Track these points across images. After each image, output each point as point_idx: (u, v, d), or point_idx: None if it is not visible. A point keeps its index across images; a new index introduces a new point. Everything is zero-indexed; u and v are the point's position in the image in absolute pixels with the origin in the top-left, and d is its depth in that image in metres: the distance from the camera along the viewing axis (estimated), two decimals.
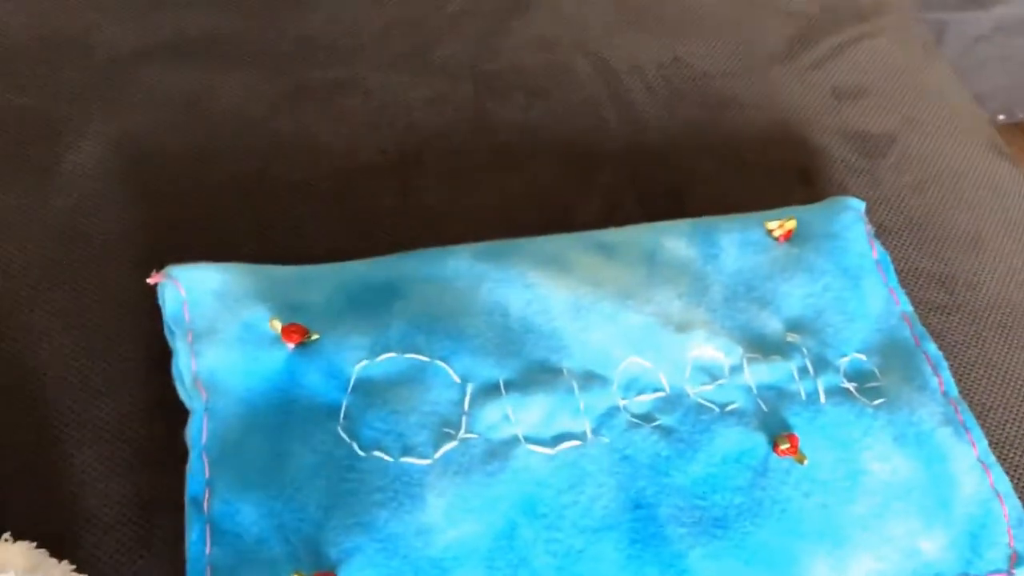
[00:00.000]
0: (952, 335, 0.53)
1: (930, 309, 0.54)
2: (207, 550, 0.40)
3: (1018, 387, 0.52)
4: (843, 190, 0.59)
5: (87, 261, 0.51)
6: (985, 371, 0.52)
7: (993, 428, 0.50)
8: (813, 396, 0.46)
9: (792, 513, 0.43)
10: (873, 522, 0.43)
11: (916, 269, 0.56)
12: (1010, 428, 0.50)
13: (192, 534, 0.40)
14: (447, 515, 0.41)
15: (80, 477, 0.44)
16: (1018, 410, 0.51)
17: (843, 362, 0.47)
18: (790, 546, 0.42)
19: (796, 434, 0.44)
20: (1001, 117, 1.29)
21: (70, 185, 0.53)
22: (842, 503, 0.43)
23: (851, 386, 0.46)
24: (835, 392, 0.46)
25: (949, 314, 0.54)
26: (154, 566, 0.42)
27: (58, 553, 0.39)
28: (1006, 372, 0.52)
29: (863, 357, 0.48)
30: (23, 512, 0.43)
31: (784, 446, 0.44)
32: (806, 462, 0.44)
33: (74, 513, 0.44)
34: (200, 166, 0.55)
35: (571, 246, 0.50)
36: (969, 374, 0.52)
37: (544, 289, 0.47)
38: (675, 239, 0.50)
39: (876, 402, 0.46)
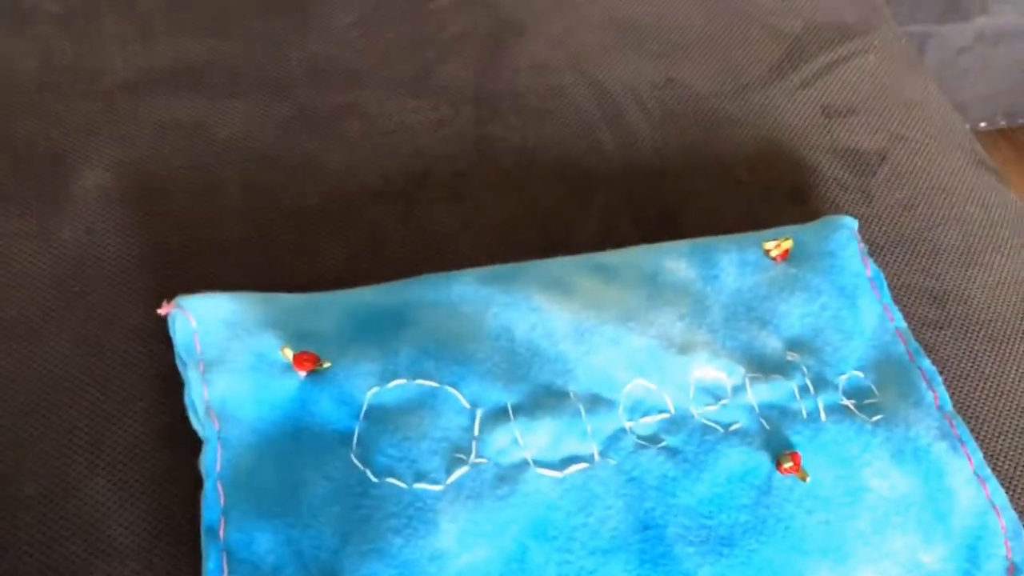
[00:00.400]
0: (945, 349, 0.55)
1: (923, 325, 0.55)
2: None
3: (1011, 399, 0.53)
4: (835, 208, 0.61)
5: (98, 288, 0.51)
6: (978, 384, 0.54)
7: (988, 440, 0.51)
8: (814, 414, 0.47)
9: (796, 530, 0.44)
10: (874, 537, 0.44)
11: (908, 285, 0.57)
12: (1004, 440, 0.51)
13: (209, 563, 0.41)
14: (460, 540, 0.41)
15: (94, 504, 0.45)
16: (1011, 422, 0.52)
17: (842, 380, 0.48)
18: (795, 562, 0.43)
19: (798, 452, 0.45)
20: (983, 124, 1.31)
21: (78, 213, 0.54)
22: (844, 519, 0.44)
23: (850, 403, 0.48)
24: (835, 410, 0.47)
25: (942, 329, 0.55)
26: None
27: None
28: (999, 385, 0.54)
29: (860, 374, 0.49)
30: (37, 538, 0.43)
31: (787, 464, 0.45)
32: (808, 479, 0.45)
33: (89, 541, 0.44)
34: (206, 193, 0.56)
35: (572, 269, 0.51)
36: (963, 388, 0.53)
37: (548, 313, 0.48)
38: (675, 261, 0.52)
39: (874, 419, 0.47)
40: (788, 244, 0.53)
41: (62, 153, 0.56)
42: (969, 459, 0.47)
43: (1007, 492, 0.48)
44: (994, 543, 0.45)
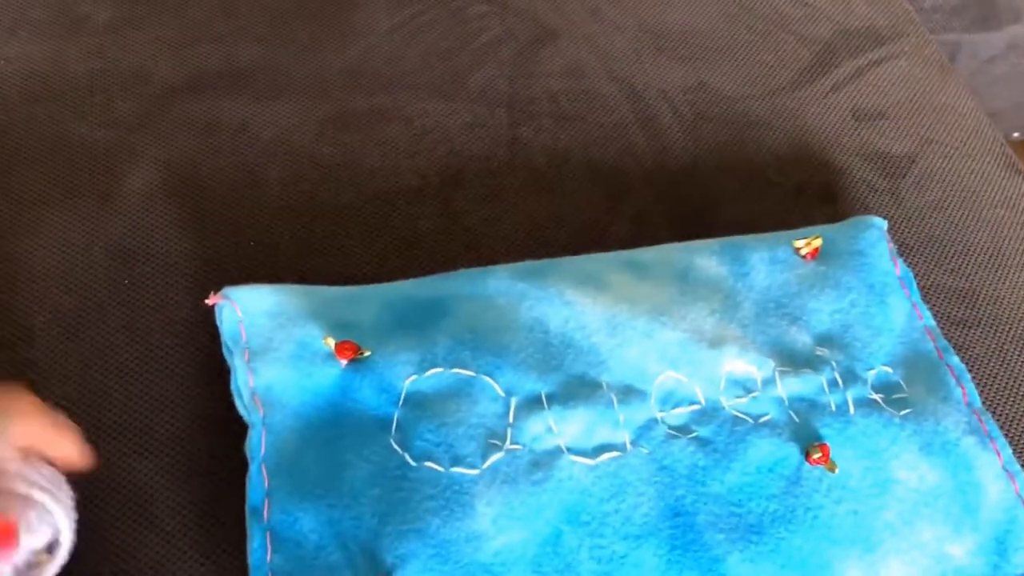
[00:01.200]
0: (974, 348, 0.55)
1: (953, 324, 0.56)
2: (268, 557, 0.42)
3: None
4: (865, 209, 0.61)
5: (146, 281, 0.53)
6: (1008, 383, 0.54)
7: (1017, 438, 0.52)
8: (843, 407, 0.48)
9: (824, 520, 0.45)
10: (902, 528, 0.45)
11: (938, 285, 0.58)
12: None
13: (254, 542, 0.43)
14: (495, 523, 0.43)
15: (143, 486, 0.47)
16: None
17: (871, 374, 0.49)
18: (823, 551, 0.44)
19: (827, 444, 0.46)
20: (1016, 135, 1.31)
21: (127, 209, 0.56)
22: (872, 509, 0.45)
23: (879, 397, 0.48)
24: (864, 403, 0.48)
25: (971, 328, 0.56)
26: (216, 573, 0.45)
27: (125, 559, 0.42)
28: None
29: (889, 370, 0.50)
30: (90, 518, 0.45)
31: (816, 455, 0.46)
32: (837, 471, 0.46)
33: (138, 521, 0.46)
34: (250, 191, 0.58)
35: (606, 265, 0.53)
36: (992, 386, 0.54)
37: (581, 306, 0.49)
38: (706, 258, 0.53)
39: (903, 412, 0.48)
40: (818, 242, 0.54)
41: (112, 152, 0.58)
42: (998, 454, 0.48)
43: None
44: (1023, 537, 0.46)
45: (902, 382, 0.49)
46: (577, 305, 0.49)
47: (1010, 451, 0.48)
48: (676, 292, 0.51)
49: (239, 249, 0.55)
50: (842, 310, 0.51)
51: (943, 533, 0.45)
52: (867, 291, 0.52)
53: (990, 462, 0.47)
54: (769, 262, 0.53)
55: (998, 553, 0.45)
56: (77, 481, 0.44)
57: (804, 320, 0.51)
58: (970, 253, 0.60)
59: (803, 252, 0.54)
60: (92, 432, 0.47)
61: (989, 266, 0.59)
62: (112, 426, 0.48)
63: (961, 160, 0.65)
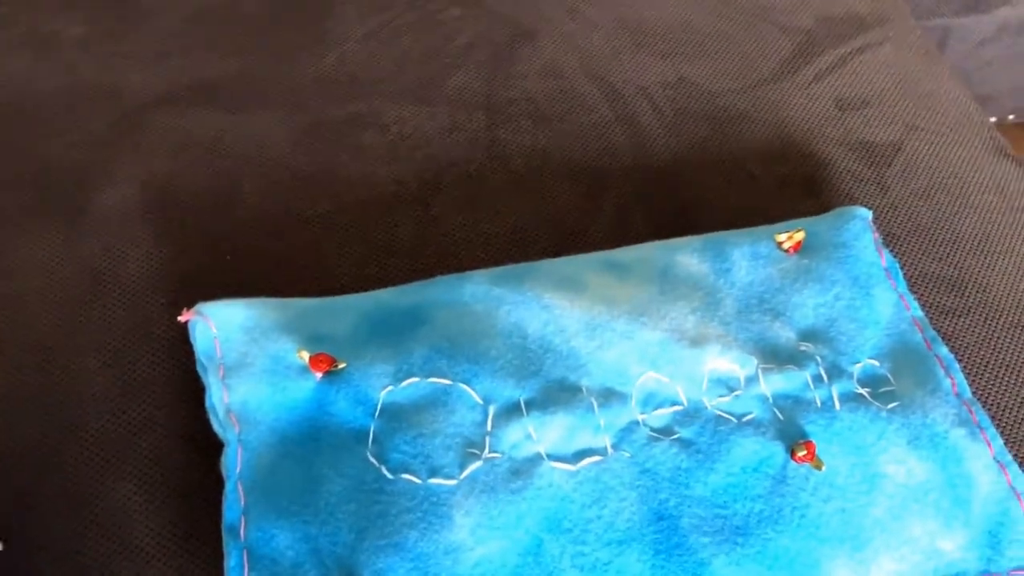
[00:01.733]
0: (964, 337, 0.54)
1: (941, 313, 0.55)
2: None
3: None
4: (850, 199, 0.60)
5: (120, 300, 0.53)
6: (998, 371, 0.53)
7: (1008, 427, 0.51)
8: (828, 403, 0.47)
9: (812, 518, 0.44)
10: (892, 524, 0.44)
11: (926, 274, 0.57)
12: None
13: (231, 561, 0.42)
14: (474, 533, 0.42)
15: (121, 508, 0.46)
16: None
17: (856, 368, 0.48)
18: (811, 550, 0.43)
19: (813, 441, 0.45)
20: (1011, 117, 1.29)
21: (99, 228, 0.56)
22: (861, 506, 0.44)
23: (865, 391, 0.48)
24: (850, 398, 0.47)
25: (960, 317, 0.55)
26: None
27: None
28: (1019, 372, 0.53)
29: (876, 363, 0.49)
30: (63, 539, 0.45)
31: (801, 453, 0.45)
32: (823, 468, 0.45)
33: (115, 543, 0.45)
34: (225, 204, 0.57)
35: (584, 267, 0.52)
36: (983, 375, 0.53)
37: (560, 310, 0.48)
38: (686, 255, 0.52)
39: (890, 406, 0.47)
40: (800, 236, 0.53)
41: (83, 171, 0.58)
42: (989, 445, 0.47)
43: None
44: (1016, 529, 0.45)
45: (889, 375, 0.49)
46: (555, 308, 0.49)
47: (1001, 441, 0.47)
48: (656, 292, 0.50)
49: (216, 264, 0.55)
50: (826, 304, 0.51)
51: (934, 528, 0.44)
52: (852, 284, 0.52)
53: (981, 453, 0.47)
54: (751, 257, 0.52)
55: (991, 546, 0.44)
56: (50, 505, 0.43)
57: (787, 316, 0.50)
58: (958, 241, 0.59)
59: (785, 246, 0.53)
60: (67, 458, 0.47)
61: (978, 253, 0.58)
62: (88, 451, 0.48)
63: (948, 147, 0.64)
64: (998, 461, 0.47)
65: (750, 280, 0.51)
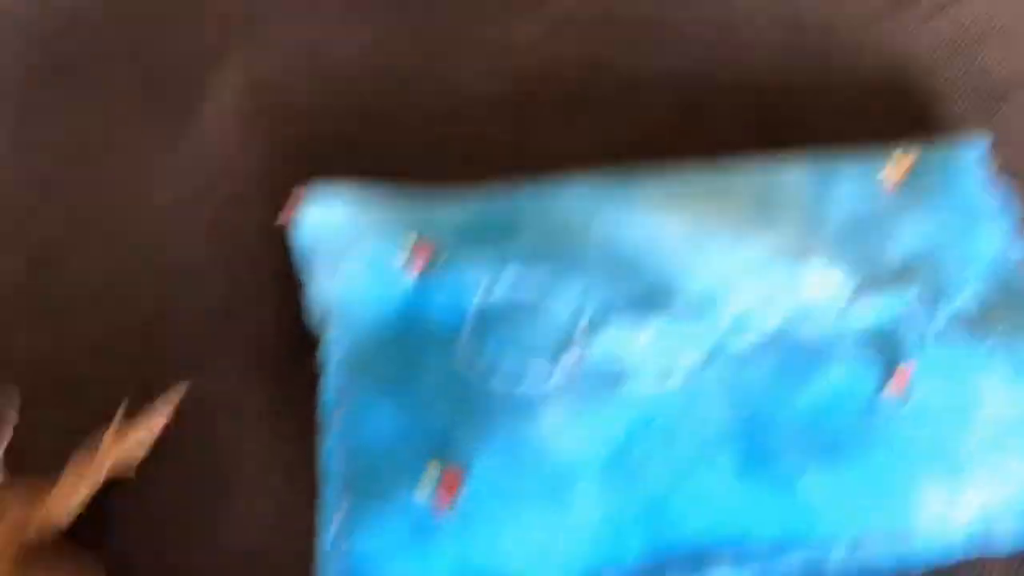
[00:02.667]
0: None
1: None
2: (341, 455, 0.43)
3: None
4: (965, 134, 0.58)
5: (228, 200, 0.54)
6: None
7: None
8: (927, 331, 0.46)
9: (902, 443, 0.43)
10: (988, 454, 0.43)
11: None
12: None
13: (328, 442, 0.43)
14: (565, 431, 0.43)
15: (220, 393, 0.48)
16: None
17: (958, 298, 0.47)
18: (901, 473, 0.43)
19: (908, 368, 0.44)
20: None
21: (210, 130, 0.57)
22: (953, 435, 0.43)
23: (966, 321, 0.46)
24: (950, 327, 0.46)
25: None
26: (285, 475, 0.46)
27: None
28: None
29: (978, 295, 0.48)
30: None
31: (895, 379, 0.44)
32: (917, 396, 0.44)
33: (207, 428, 0.47)
34: (329, 105, 0.58)
35: (686, 178, 0.51)
36: None
37: (658, 221, 0.48)
38: (790, 175, 0.51)
39: (992, 338, 0.46)
40: (908, 161, 0.52)
41: (195, 76, 0.59)
42: None
43: None
44: None
45: (991, 308, 0.47)
46: (654, 219, 0.48)
47: None
48: (757, 210, 0.49)
49: (317, 159, 0.55)
50: (930, 233, 0.49)
51: None
52: (958, 215, 0.50)
53: None
54: (856, 182, 0.51)
55: None
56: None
57: (889, 242, 0.49)
58: None
59: (892, 173, 0.52)
60: (167, 340, 0.49)
61: None
62: (188, 334, 0.49)
63: None
64: None
65: (853, 205, 0.50)
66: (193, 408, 0.47)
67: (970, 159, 0.52)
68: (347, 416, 0.44)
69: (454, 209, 0.50)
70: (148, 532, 0.45)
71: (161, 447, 0.45)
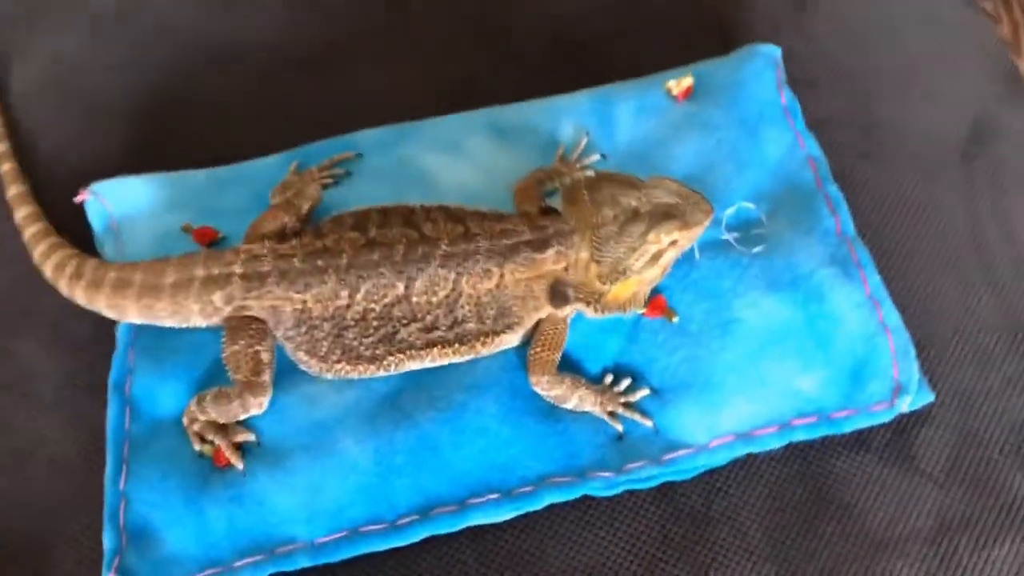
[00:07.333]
0: (870, 179, 0.52)
1: (850, 155, 0.53)
2: (126, 424, 0.45)
3: (933, 222, 0.51)
4: (765, 41, 0.58)
5: (31, 175, 0.54)
6: (899, 207, 0.52)
7: (900, 260, 0.50)
8: (689, 253, 0.46)
9: (658, 369, 0.45)
10: (746, 367, 0.44)
11: (839, 117, 0.55)
12: (917, 260, 0.50)
13: (112, 410, 0.45)
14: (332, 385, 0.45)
15: (23, 364, 0.49)
16: (929, 244, 0.50)
17: (727, 213, 0.48)
18: (658, 399, 0.44)
19: (662, 295, 0.46)
20: None
21: (15, 104, 0.58)
22: (711, 352, 0.45)
23: (731, 236, 0.47)
24: (712, 246, 0.47)
25: (869, 160, 0.53)
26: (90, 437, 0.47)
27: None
28: (923, 208, 0.52)
29: (751, 205, 0.49)
30: None
31: (650, 308, 0.46)
32: (676, 319, 0.45)
33: (16, 395, 0.48)
34: (132, 78, 0.58)
35: (469, 128, 0.52)
36: (881, 214, 0.51)
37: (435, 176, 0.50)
38: (571, 116, 0.52)
39: (755, 250, 0.47)
40: (688, 81, 0.52)
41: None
42: (865, 283, 0.46)
43: (916, 313, 0.47)
44: (880, 364, 0.45)
45: (763, 216, 0.48)
46: (431, 174, 0.50)
47: (879, 279, 0.47)
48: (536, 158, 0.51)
49: (119, 136, 0.56)
50: (705, 151, 0.50)
51: (791, 368, 0.44)
52: (737, 125, 0.51)
53: (852, 292, 0.46)
54: (636, 112, 0.52)
55: (852, 382, 0.44)
56: None
57: (665, 168, 0.49)
58: (879, 85, 0.56)
59: (674, 93, 0.52)
60: None
61: (897, 97, 0.56)
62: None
63: None
64: (872, 299, 0.46)
65: (633, 136, 0.51)
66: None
67: (757, 66, 0.53)
68: (134, 392, 0.46)
69: (241, 190, 0.51)
70: None
71: None
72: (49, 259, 0.48)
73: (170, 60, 0.59)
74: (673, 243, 0.43)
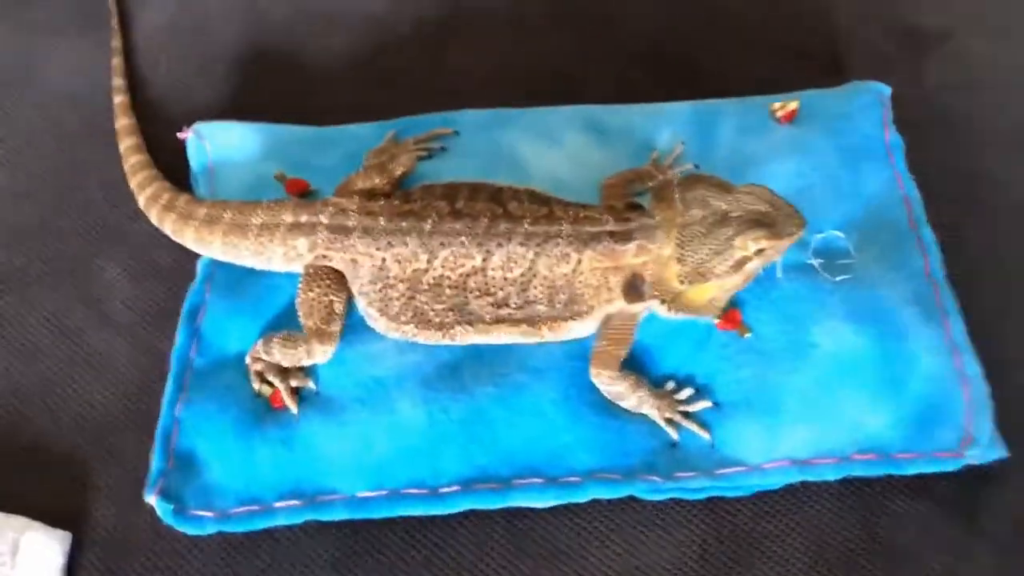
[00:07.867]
0: (967, 228, 0.51)
1: (947, 202, 0.52)
2: (191, 354, 0.46)
3: None
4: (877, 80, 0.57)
5: (141, 114, 0.56)
6: (990, 261, 0.50)
7: (989, 318, 0.47)
8: (771, 271, 0.46)
9: (723, 382, 0.44)
10: (813, 393, 0.43)
11: (942, 163, 0.53)
12: (1010, 322, 0.48)
13: (179, 339, 0.46)
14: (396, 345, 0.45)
15: (105, 285, 0.51)
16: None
17: (816, 238, 0.47)
18: (719, 412, 0.44)
19: (737, 309, 0.45)
20: None
21: (137, 45, 0.60)
22: (781, 374, 0.44)
23: (816, 262, 0.47)
24: (796, 268, 0.46)
25: (968, 208, 0.52)
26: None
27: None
28: (1014, 267, 0.50)
29: (840, 234, 0.48)
30: (50, 303, 0.50)
31: (723, 319, 0.45)
32: (748, 335, 0.45)
33: (94, 313, 0.50)
34: (243, 32, 0.60)
35: (567, 123, 0.52)
36: (971, 263, 0.49)
37: (529, 163, 0.50)
38: (671, 125, 0.52)
39: (839, 278, 0.46)
40: (794, 105, 0.52)
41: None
42: (947, 328, 0.45)
43: (1002, 369, 0.45)
44: (951, 412, 0.43)
45: (851, 247, 0.47)
46: (527, 161, 0.50)
47: (963, 326, 0.45)
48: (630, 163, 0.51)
49: (230, 86, 0.58)
50: (802, 173, 0.49)
51: (860, 402, 0.43)
52: (837, 154, 0.50)
53: (932, 334, 0.45)
54: (737, 129, 0.52)
55: (918, 426, 0.43)
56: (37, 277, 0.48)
57: (761, 183, 0.48)
58: (987, 138, 0.55)
59: (778, 114, 0.52)
60: (67, 234, 0.52)
61: (1006, 152, 0.54)
62: (80, 227, 0.52)
63: (1002, 40, 0.60)
64: (953, 345, 0.45)
65: (731, 151, 0.51)
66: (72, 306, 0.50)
67: (865, 101, 0.52)
68: (204, 325, 0.46)
69: (338, 151, 0.51)
70: None
71: None
72: (145, 189, 0.49)
73: (285, 20, 0.61)
74: (760, 252, 0.42)
